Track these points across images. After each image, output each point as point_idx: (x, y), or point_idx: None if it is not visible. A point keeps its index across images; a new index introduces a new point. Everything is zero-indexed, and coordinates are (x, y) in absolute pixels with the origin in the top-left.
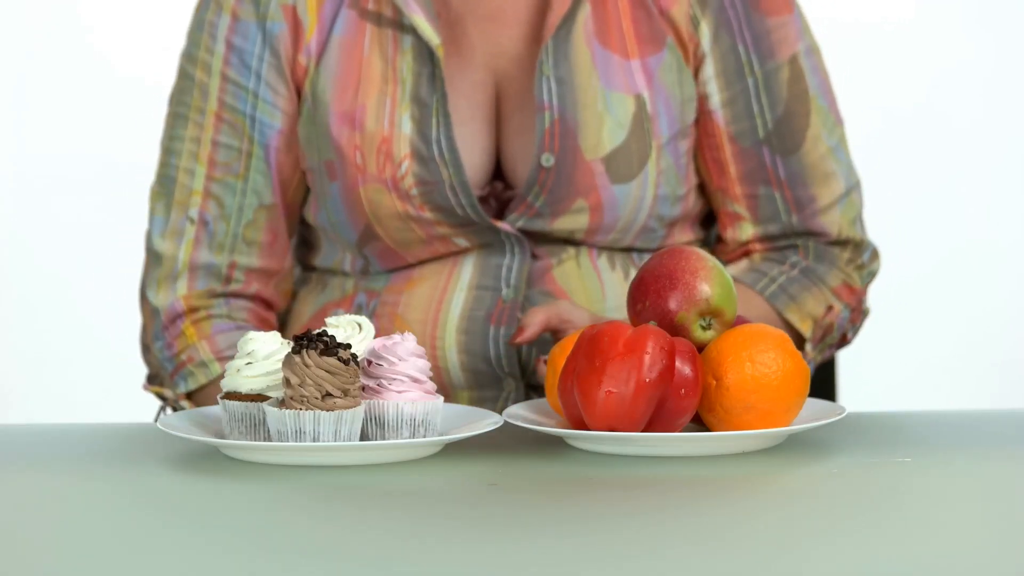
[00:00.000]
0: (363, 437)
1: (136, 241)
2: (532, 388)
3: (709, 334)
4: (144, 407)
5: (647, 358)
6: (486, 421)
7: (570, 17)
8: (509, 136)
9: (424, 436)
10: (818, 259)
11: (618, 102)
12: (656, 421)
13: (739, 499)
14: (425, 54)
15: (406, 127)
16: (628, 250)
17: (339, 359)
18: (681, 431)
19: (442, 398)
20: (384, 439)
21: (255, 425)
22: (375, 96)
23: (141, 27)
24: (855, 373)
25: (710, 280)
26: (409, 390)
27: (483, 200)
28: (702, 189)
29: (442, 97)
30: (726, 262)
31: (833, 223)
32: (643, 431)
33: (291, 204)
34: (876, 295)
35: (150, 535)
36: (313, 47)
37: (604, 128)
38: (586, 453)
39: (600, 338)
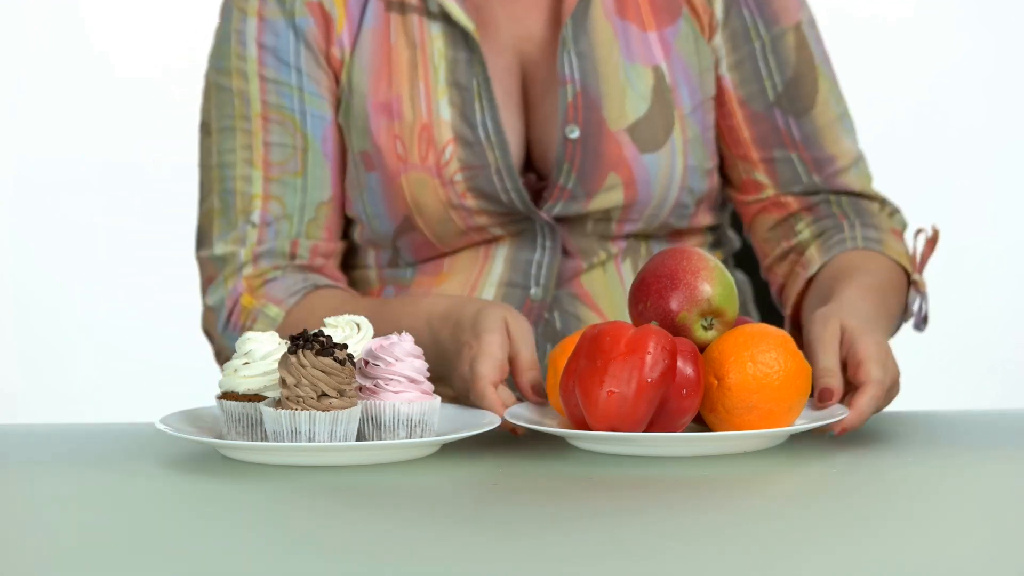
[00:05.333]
0: (360, 437)
1: (136, 241)
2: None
3: (711, 334)
4: (144, 407)
5: (649, 358)
6: (483, 421)
7: None
8: (538, 122)
9: (421, 436)
10: (857, 212)
11: (638, 74)
12: (657, 421)
13: (740, 499)
14: (458, 39)
15: (445, 113)
16: (651, 239)
17: (335, 359)
18: (683, 431)
19: (439, 398)
20: (381, 439)
21: (252, 425)
22: (408, 84)
23: (142, 27)
24: None
25: (711, 280)
26: (406, 390)
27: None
28: (723, 166)
29: (484, 80)
30: (756, 213)
31: (854, 182)
32: (644, 431)
33: (343, 194)
34: None
35: (148, 535)
36: (345, 40)
37: (626, 99)
38: (586, 453)
39: (602, 338)
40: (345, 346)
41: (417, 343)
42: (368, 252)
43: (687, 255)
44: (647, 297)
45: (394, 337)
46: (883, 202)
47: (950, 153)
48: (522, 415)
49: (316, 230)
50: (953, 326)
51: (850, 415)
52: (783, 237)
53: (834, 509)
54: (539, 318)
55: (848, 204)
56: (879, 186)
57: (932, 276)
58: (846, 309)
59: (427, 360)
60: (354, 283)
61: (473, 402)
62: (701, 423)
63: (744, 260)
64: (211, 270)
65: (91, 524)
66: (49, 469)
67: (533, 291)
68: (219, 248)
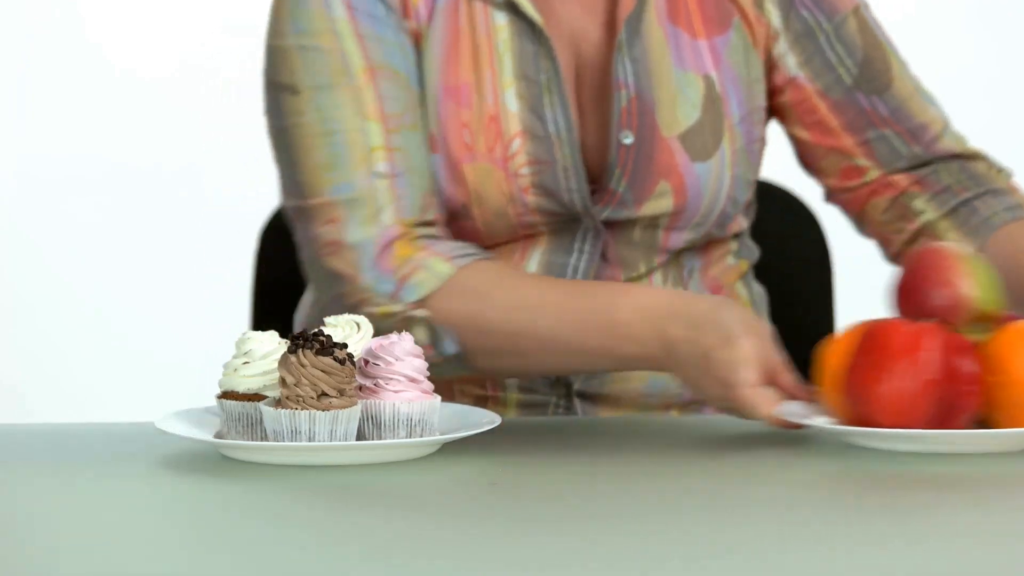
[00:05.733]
0: (360, 437)
1: (137, 241)
2: (581, 396)
3: (982, 334)
4: (144, 407)
5: (928, 355)
6: (483, 420)
7: None
8: (589, 124)
9: (421, 436)
10: (972, 179)
11: (689, 81)
12: (940, 418)
13: (740, 498)
14: (524, 31)
15: (513, 104)
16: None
17: (335, 359)
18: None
19: (439, 397)
20: (381, 439)
21: (252, 425)
22: (475, 73)
23: (143, 25)
24: None
25: (973, 280)
26: (406, 390)
27: None
28: (815, 164)
29: (555, 75)
30: (865, 200)
31: (954, 144)
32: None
33: None
34: (877, 295)
35: (147, 534)
36: (422, 11)
37: (678, 106)
38: (585, 451)
39: (883, 334)
40: (345, 345)
41: (627, 334)
42: None
43: (943, 254)
44: (911, 299)
45: (394, 336)
46: (987, 160)
47: None
48: (796, 412)
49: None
50: None
51: None
52: (902, 219)
53: (833, 509)
54: None
55: (958, 170)
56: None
57: None
58: None
59: (648, 354)
60: None
61: (738, 407)
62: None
63: (761, 272)
64: (333, 212)
65: (90, 524)
66: (49, 469)
67: None
68: (342, 193)
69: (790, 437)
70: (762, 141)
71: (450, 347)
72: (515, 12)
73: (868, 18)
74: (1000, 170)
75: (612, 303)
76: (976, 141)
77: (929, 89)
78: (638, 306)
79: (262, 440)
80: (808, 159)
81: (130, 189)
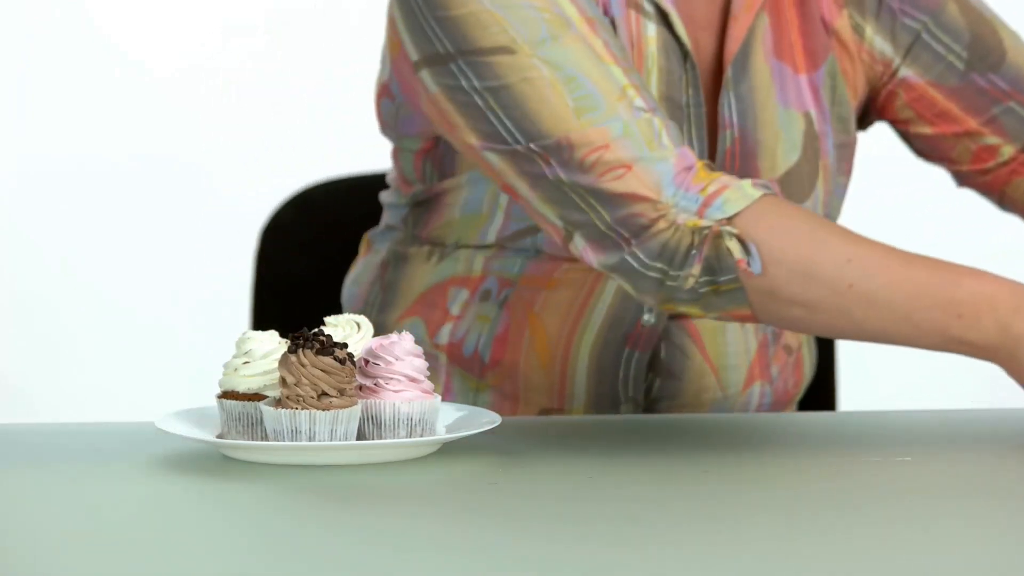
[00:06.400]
0: (360, 437)
1: (137, 240)
2: (648, 413)
3: None
4: (144, 407)
5: None
6: (483, 420)
7: (753, 29)
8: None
9: (421, 436)
10: None
11: (791, 120)
12: None
13: (741, 498)
14: (672, 50)
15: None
16: None
17: (335, 358)
18: None
19: (439, 397)
20: (381, 439)
21: (252, 424)
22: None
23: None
24: (855, 373)
25: None
26: (406, 389)
27: None
28: (945, 153)
29: (698, 106)
30: (1005, 180)
31: None
32: None
33: None
34: None
35: (148, 534)
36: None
37: (780, 147)
38: (585, 451)
39: None
40: (345, 345)
41: (967, 315)
42: (489, 226)
43: None
44: None
45: (394, 336)
46: None
47: None
48: None
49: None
50: None
51: None
52: None
53: (832, 509)
54: (648, 345)
55: None
56: (881, 191)
57: None
58: None
59: (986, 342)
60: (455, 262)
61: None
62: None
63: None
64: (606, 141)
65: (90, 523)
66: (48, 468)
67: (646, 317)
68: (612, 130)
69: (790, 437)
70: (847, 176)
71: (758, 267)
72: (665, 25)
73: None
74: None
75: (955, 281)
76: None
77: None
78: (982, 291)
79: (262, 440)
80: (939, 152)
81: (130, 189)
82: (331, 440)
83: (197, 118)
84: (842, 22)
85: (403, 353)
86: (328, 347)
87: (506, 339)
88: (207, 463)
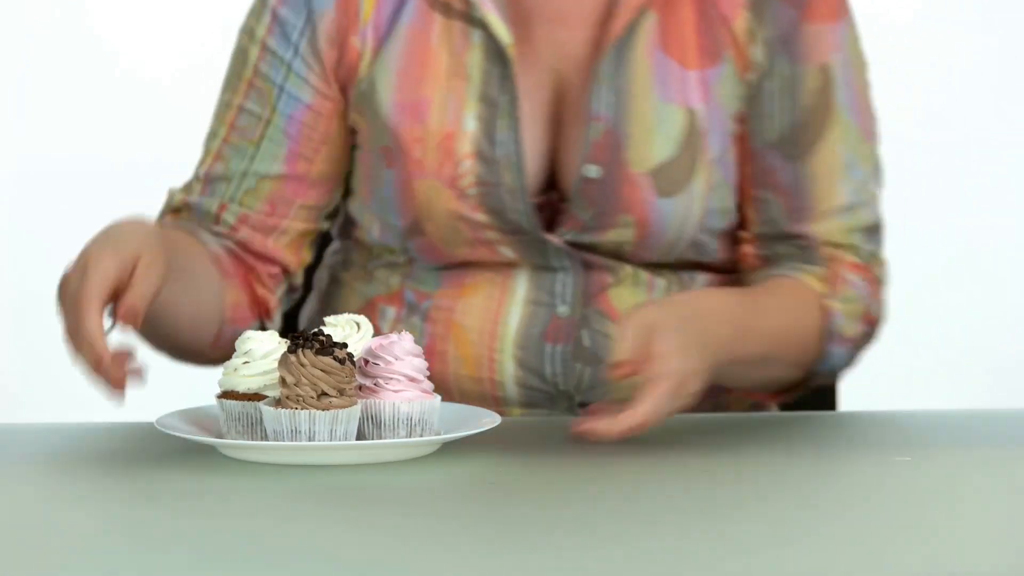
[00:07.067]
0: (360, 437)
1: None
2: (585, 408)
3: None
4: (144, 407)
5: None
6: (483, 420)
7: (634, 25)
8: (566, 145)
9: (421, 435)
10: (803, 253)
11: (670, 115)
12: None
13: (741, 498)
14: (494, 52)
15: (470, 125)
16: (681, 268)
17: (335, 358)
18: None
19: (439, 397)
20: (381, 438)
21: (252, 424)
22: (440, 90)
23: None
24: (855, 373)
25: None
26: (406, 389)
27: (538, 209)
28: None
29: (512, 99)
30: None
31: (834, 232)
32: None
33: (315, 180)
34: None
35: (147, 534)
36: (369, 32)
37: (654, 141)
38: (585, 451)
39: None
40: (345, 345)
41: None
42: (384, 253)
43: None
44: None
45: (394, 336)
46: (859, 250)
47: (950, 157)
48: None
49: (253, 201)
50: (954, 329)
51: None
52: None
53: (832, 509)
54: (568, 337)
55: (798, 249)
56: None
57: (934, 279)
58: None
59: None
60: (377, 284)
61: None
62: None
63: None
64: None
65: (90, 523)
66: (49, 468)
67: (560, 309)
68: (179, 187)
69: (790, 437)
70: (746, 168)
71: None
72: (489, 32)
73: (837, 78)
74: (868, 262)
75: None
76: (977, 141)
77: (878, 164)
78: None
79: (262, 440)
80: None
81: (130, 189)
82: (331, 440)
83: (197, 118)
84: (739, 23)
85: (403, 353)
86: (328, 347)
87: (433, 349)
88: (207, 463)
